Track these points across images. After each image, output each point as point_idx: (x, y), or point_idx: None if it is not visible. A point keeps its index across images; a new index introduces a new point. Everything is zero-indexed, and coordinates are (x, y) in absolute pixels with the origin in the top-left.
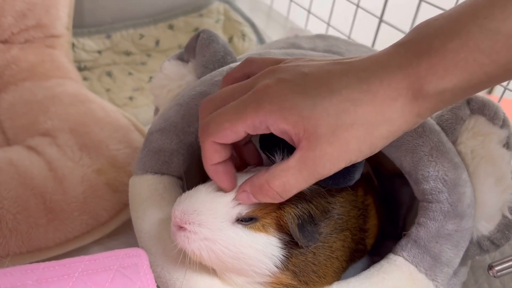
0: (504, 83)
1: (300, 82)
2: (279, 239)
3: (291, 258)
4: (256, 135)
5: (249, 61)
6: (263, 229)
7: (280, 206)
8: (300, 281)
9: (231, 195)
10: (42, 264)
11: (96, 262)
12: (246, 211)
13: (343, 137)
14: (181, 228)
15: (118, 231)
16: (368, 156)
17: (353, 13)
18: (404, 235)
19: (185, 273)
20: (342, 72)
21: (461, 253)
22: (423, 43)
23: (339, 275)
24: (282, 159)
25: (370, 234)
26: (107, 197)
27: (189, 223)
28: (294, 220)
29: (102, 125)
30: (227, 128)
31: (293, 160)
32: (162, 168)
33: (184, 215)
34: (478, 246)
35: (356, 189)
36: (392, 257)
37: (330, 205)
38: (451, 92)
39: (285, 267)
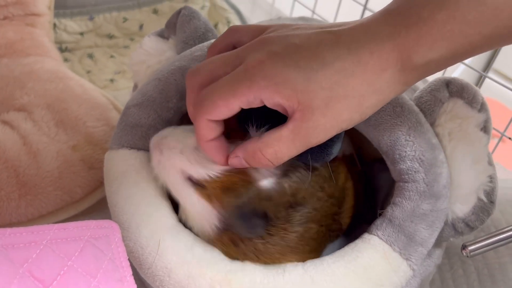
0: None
1: (292, 54)
2: (221, 215)
3: (232, 235)
4: None
5: (232, 30)
6: (208, 198)
7: (227, 190)
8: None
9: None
10: (8, 230)
11: (65, 231)
12: (197, 178)
13: (336, 108)
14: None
15: (93, 208)
16: (358, 123)
17: (337, 0)
18: (380, 214)
19: (157, 248)
20: (333, 43)
21: (436, 234)
22: (411, 12)
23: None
24: (256, 132)
25: (345, 214)
26: (82, 174)
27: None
28: (232, 209)
29: (80, 102)
30: (221, 105)
31: (286, 130)
32: (139, 143)
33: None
34: (453, 228)
35: (338, 176)
36: (366, 236)
37: (304, 199)
38: (437, 62)
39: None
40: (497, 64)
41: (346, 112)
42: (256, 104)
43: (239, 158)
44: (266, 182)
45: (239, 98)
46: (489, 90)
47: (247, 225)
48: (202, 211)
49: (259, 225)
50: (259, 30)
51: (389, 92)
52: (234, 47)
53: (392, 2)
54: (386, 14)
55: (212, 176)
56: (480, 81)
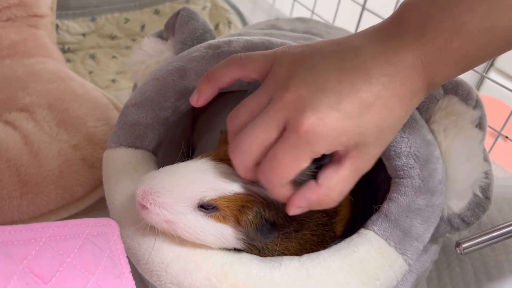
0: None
1: (336, 105)
2: (237, 231)
3: (246, 248)
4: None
5: (237, 63)
6: (223, 220)
7: (242, 208)
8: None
9: (195, 181)
10: (8, 227)
11: (64, 229)
12: (209, 198)
13: (386, 137)
14: (144, 207)
15: (94, 207)
16: None
17: (337, 1)
18: (376, 210)
19: (153, 244)
20: (366, 81)
21: (431, 229)
22: (425, 40)
23: None
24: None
25: (339, 224)
26: (83, 173)
27: (151, 203)
28: (251, 225)
29: (81, 102)
30: (289, 174)
31: (345, 169)
32: (136, 142)
33: (146, 195)
34: (449, 223)
35: None
36: (363, 231)
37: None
38: (453, 77)
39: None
40: (499, 63)
41: (392, 135)
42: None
43: (301, 209)
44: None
45: (303, 162)
46: (492, 89)
47: (262, 233)
48: (219, 234)
49: (272, 230)
50: (267, 61)
51: (416, 104)
52: (240, 82)
53: (393, 22)
54: (398, 40)
55: (224, 194)
56: (479, 81)
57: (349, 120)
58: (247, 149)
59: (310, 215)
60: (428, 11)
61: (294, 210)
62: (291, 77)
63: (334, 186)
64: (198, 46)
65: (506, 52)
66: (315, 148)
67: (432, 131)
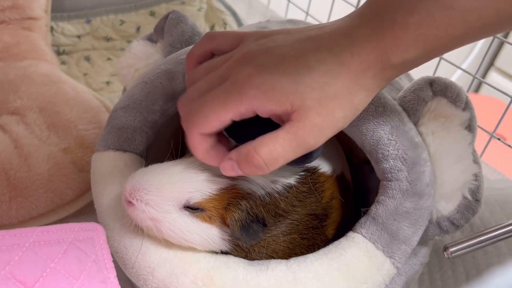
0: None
1: (278, 64)
2: (223, 231)
3: (232, 250)
4: None
5: (209, 37)
6: (209, 220)
7: (227, 206)
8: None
9: (183, 180)
10: None
11: (49, 234)
12: (195, 201)
13: (330, 107)
14: (130, 203)
15: (84, 210)
16: (352, 119)
17: (331, 2)
18: (364, 213)
19: (140, 247)
20: (315, 48)
21: (420, 232)
22: (386, 17)
23: None
24: None
25: (330, 227)
26: (73, 176)
27: (137, 200)
28: (236, 223)
29: (72, 105)
30: (212, 119)
31: (282, 130)
32: (124, 145)
33: (133, 191)
34: (438, 226)
35: (323, 194)
36: (350, 235)
37: (286, 213)
38: (413, 61)
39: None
40: (499, 62)
41: (339, 110)
42: (248, 115)
43: (231, 161)
44: (260, 189)
45: (231, 110)
46: (492, 89)
47: (248, 234)
48: (205, 234)
49: (259, 230)
50: (237, 37)
51: (375, 87)
52: (213, 55)
53: (364, 5)
54: (362, 17)
55: (210, 195)
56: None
57: (286, 76)
58: (190, 95)
59: (298, 219)
60: None
61: (223, 163)
62: (251, 45)
63: (266, 142)
64: (186, 48)
65: (468, 42)
66: (245, 98)
67: (420, 134)
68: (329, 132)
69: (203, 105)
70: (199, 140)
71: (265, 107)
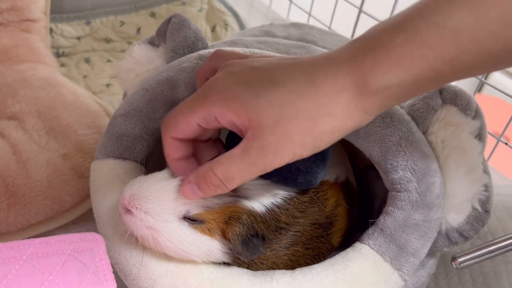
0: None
1: (246, 74)
2: (224, 245)
3: (232, 262)
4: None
5: (216, 55)
6: (209, 232)
7: (229, 220)
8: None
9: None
10: None
11: (47, 246)
12: (195, 212)
13: (286, 128)
14: (128, 211)
15: (84, 217)
16: (313, 152)
17: (333, 3)
18: (372, 224)
19: (141, 259)
20: (290, 66)
21: (429, 244)
22: (372, 38)
23: None
24: None
25: (336, 235)
26: (72, 183)
27: (136, 208)
28: (238, 238)
29: (71, 110)
30: (181, 122)
31: (237, 149)
32: (124, 153)
33: (132, 199)
34: (447, 237)
35: (326, 202)
36: (358, 245)
37: (287, 225)
38: (398, 87)
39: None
40: None
41: (297, 133)
42: (212, 122)
43: (190, 184)
44: (261, 207)
45: (196, 113)
46: (494, 89)
47: (249, 248)
48: (203, 246)
49: (259, 244)
50: (240, 57)
51: (344, 119)
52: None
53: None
54: (349, 43)
55: (211, 207)
56: (478, 86)
57: (249, 88)
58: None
59: (301, 230)
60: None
61: (183, 187)
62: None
63: (221, 161)
64: (188, 56)
65: (469, 69)
66: (208, 102)
67: (429, 143)
68: (285, 155)
69: (176, 110)
70: (171, 146)
71: (225, 116)
